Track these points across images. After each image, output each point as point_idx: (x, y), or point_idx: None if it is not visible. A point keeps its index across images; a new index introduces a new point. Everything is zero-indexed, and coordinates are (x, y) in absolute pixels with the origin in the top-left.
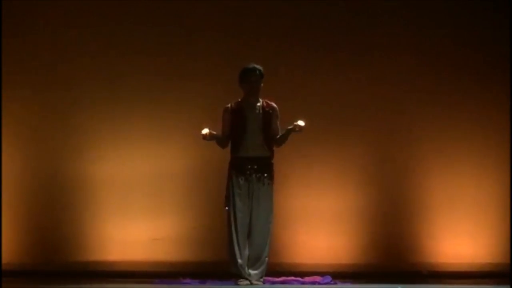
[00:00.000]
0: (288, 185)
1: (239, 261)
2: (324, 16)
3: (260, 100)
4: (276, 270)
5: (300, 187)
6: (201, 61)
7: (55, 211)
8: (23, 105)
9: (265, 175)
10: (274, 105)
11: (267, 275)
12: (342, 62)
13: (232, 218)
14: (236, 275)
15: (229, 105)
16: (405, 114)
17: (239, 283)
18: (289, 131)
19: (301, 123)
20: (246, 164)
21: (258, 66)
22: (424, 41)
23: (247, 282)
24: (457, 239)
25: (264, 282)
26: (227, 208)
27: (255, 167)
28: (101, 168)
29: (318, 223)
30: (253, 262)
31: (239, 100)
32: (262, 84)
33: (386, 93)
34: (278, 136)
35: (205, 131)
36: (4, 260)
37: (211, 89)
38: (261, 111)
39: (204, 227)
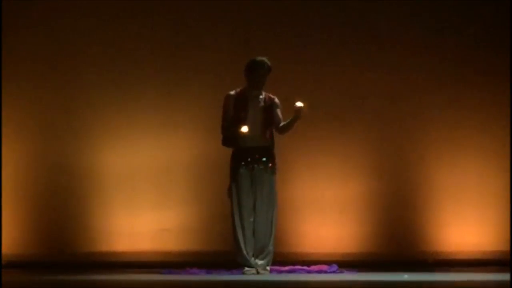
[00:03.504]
0: (294, 175)
1: (245, 251)
2: (331, 12)
3: (263, 93)
4: (282, 260)
5: (306, 176)
6: (209, 54)
7: (62, 202)
8: (30, 96)
9: (268, 164)
10: (276, 98)
11: (273, 264)
12: (350, 55)
13: (236, 209)
14: (243, 264)
15: (232, 92)
16: (411, 104)
17: (245, 272)
18: (293, 120)
19: (299, 104)
20: (249, 154)
21: (266, 60)
22: (430, 35)
23: (254, 271)
24: (462, 227)
25: (270, 271)
26: (230, 197)
27: (257, 156)
28: (108, 159)
29: (324, 212)
30: (259, 251)
31: (242, 89)
32: (267, 78)
33: (393, 84)
34: (281, 124)
35: (246, 129)
36: (11, 252)
37: (219, 82)
38: (263, 103)
39: (211, 217)
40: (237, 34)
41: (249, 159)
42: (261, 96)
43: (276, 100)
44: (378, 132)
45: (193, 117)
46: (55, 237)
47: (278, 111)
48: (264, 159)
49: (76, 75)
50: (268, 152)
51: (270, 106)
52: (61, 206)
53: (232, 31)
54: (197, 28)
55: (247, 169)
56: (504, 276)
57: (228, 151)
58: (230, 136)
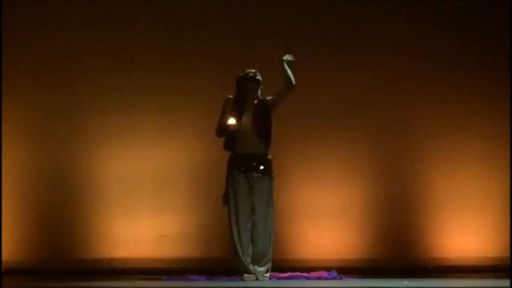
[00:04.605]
0: (293, 181)
1: (243, 257)
2: (330, 13)
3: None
4: (282, 266)
5: (306, 183)
6: (206, 59)
7: (61, 208)
8: (30, 102)
9: (265, 171)
10: (266, 98)
11: (273, 270)
12: (347, 58)
13: (233, 216)
14: (242, 271)
15: (231, 96)
16: (410, 109)
17: (244, 278)
18: (285, 68)
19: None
20: (245, 162)
21: (256, 72)
22: (429, 37)
23: (253, 277)
24: (462, 233)
25: (270, 278)
26: (227, 204)
27: (254, 164)
28: (107, 165)
29: (323, 218)
30: (259, 258)
31: (240, 95)
32: (261, 86)
33: (391, 89)
34: (282, 88)
35: (233, 121)
36: (10, 258)
37: (216, 88)
38: (257, 108)
39: (210, 224)
40: (234, 40)
41: (246, 167)
42: (256, 101)
43: (267, 98)
44: (377, 138)
45: (193, 124)
46: (55, 244)
47: (272, 96)
48: (261, 167)
49: (76, 81)
50: (265, 159)
51: (261, 109)
52: (60, 212)
53: (232, 34)
54: (194, 34)
55: (244, 176)
56: (504, 283)
57: (227, 158)
58: (222, 135)
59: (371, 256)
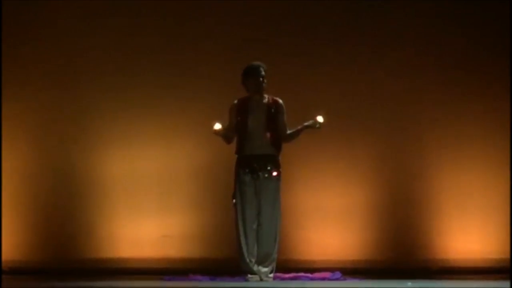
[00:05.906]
0: (298, 182)
1: (248, 258)
2: (333, 12)
3: (266, 96)
4: (286, 267)
5: (310, 184)
6: (210, 60)
7: (65, 209)
8: (33, 103)
9: (272, 172)
10: (280, 101)
11: (276, 271)
12: (349, 60)
13: (239, 216)
14: (246, 271)
15: (235, 101)
16: (413, 110)
17: (248, 279)
18: (305, 127)
19: (320, 119)
20: (253, 162)
21: (262, 64)
22: (431, 38)
23: (257, 278)
24: (466, 235)
25: (273, 279)
26: (234, 204)
27: (262, 164)
28: (111, 166)
29: (327, 220)
30: (263, 259)
31: (245, 97)
32: (266, 81)
33: (394, 91)
34: (289, 132)
35: (218, 126)
36: (13, 258)
37: (220, 88)
38: (266, 108)
39: (213, 224)
40: (237, 40)
41: (253, 167)
42: (264, 100)
43: (280, 102)
44: (382, 139)
45: (197, 125)
46: (58, 244)
47: (282, 118)
48: (269, 167)
49: (80, 85)
50: (273, 160)
51: (273, 111)
52: (64, 212)
53: (232, 37)
54: (197, 35)
55: (251, 177)
56: (505, 284)
57: (230, 158)
58: (227, 142)
59: (374, 257)
